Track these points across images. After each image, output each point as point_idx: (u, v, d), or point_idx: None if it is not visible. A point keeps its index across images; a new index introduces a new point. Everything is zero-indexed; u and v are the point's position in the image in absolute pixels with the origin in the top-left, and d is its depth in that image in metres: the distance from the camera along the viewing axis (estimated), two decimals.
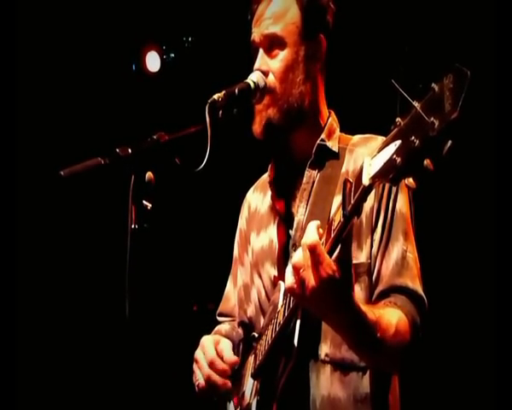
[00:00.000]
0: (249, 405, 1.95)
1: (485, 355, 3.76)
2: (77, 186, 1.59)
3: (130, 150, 1.66)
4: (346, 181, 1.47)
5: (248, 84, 1.97)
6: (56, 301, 4.59)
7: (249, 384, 1.99)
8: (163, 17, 4.80)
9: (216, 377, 1.97)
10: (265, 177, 2.26)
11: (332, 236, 1.51)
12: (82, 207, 4.43)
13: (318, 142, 2.05)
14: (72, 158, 1.65)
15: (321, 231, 1.55)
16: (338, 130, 2.13)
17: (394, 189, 1.91)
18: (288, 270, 1.58)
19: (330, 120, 2.11)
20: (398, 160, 1.23)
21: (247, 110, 2.04)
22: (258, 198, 2.27)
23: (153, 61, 4.98)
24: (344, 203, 1.45)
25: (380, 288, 1.86)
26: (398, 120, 1.28)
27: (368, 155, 1.39)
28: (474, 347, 3.89)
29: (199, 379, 2.02)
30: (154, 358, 4.54)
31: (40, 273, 4.46)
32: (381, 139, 1.95)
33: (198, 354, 2.05)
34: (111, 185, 1.65)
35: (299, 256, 1.54)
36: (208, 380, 1.98)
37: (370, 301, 1.85)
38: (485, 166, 3.78)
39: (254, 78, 1.99)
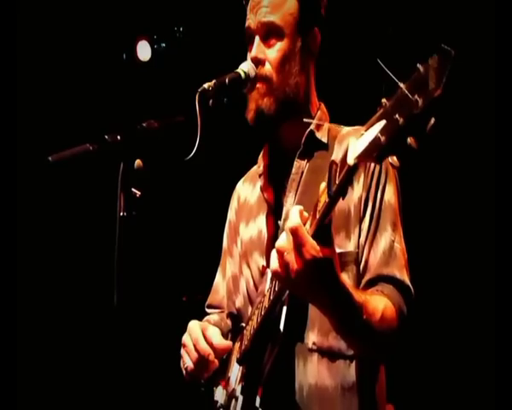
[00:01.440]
0: (234, 391, 1.95)
1: (480, 350, 3.78)
2: (65, 172, 1.58)
3: (119, 137, 1.66)
4: (332, 162, 1.46)
5: (239, 74, 1.97)
6: (43, 289, 4.58)
7: (235, 370, 1.99)
8: (154, 6, 4.79)
9: (204, 358, 1.96)
10: (255, 168, 2.26)
11: (317, 217, 1.51)
12: (70, 194, 4.42)
13: (308, 132, 2.05)
14: (62, 145, 1.65)
15: (306, 214, 1.55)
16: (328, 121, 2.13)
17: (383, 179, 1.92)
18: (273, 254, 1.59)
19: (320, 111, 2.12)
20: (383, 138, 1.23)
21: (238, 100, 2.03)
22: (247, 189, 2.27)
23: (144, 51, 4.97)
24: (329, 184, 1.45)
25: (367, 277, 1.87)
26: (383, 101, 1.28)
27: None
28: (464, 339, 3.91)
29: (187, 362, 2.01)
30: (143, 348, 4.53)
31: (27, 261, 4.44)
32: None
33: (185, 338, 2.04)
34: (100, 172, 1.65)
35: (282, 240, 1.54)
36: (196, 362, 1.98)
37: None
38: (484, 161, 3.79)
39: (245, 67, 1.99)
